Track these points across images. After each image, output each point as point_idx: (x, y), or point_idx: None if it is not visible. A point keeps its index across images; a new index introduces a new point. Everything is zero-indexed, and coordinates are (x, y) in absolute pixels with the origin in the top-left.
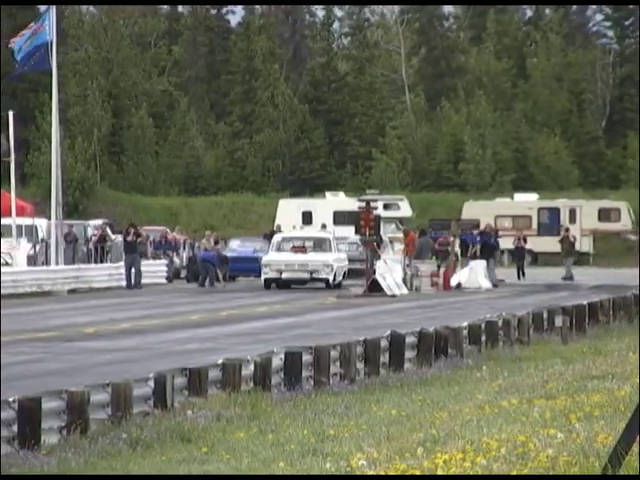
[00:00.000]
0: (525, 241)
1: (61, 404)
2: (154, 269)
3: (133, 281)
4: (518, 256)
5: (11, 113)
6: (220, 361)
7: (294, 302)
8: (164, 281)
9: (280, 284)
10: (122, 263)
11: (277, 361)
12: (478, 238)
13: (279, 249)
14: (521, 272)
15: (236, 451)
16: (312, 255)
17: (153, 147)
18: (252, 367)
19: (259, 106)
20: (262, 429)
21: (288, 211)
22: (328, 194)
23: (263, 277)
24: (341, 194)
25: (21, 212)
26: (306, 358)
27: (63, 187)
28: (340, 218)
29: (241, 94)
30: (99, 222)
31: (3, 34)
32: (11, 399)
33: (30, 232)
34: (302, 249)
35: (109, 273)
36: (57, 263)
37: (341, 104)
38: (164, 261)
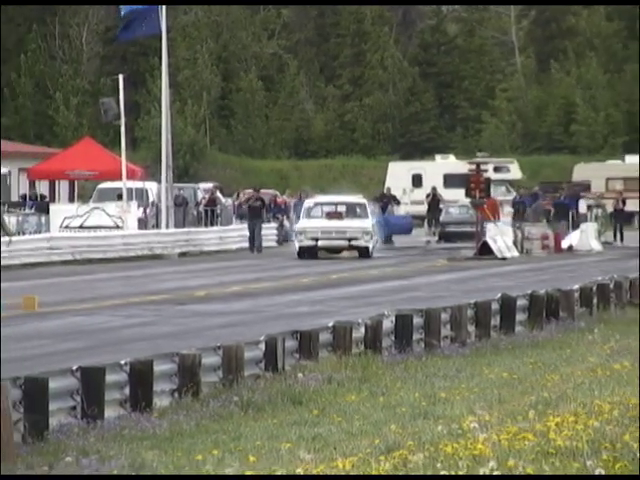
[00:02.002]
0: (624, 203)
1: (173, 367)
2: (265, 232)
3: (255, 244)
4: (617, 218)
5: (121, 77)
6: (331, 324)
7: (405, 265)
8: (274, 244)
9: (314, 252)
10: (232, 226)
11: (388, 324)
12: (581, 202)
13: (309, 215)
14: (619, 234)
15: (347, 414)
16: (349, 221)
17: (263, 110)
18: (363, 330)
19: (369, 69)
20: (373, 392)
21: (398, 174)
22: (438, 157)
23: (297, 245)
24: (451, 157)
25: (132, 175)
26: (417, 321)
27: (173, 150)
28: (450, 181)
29: (351, 57)
30: (209, 185)
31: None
32: (123, 362)
33: (140, 195)
34: (337, 215)
35: (219, 236)
36: (167, 226)
37: (451, 66)
38: (274, 224)
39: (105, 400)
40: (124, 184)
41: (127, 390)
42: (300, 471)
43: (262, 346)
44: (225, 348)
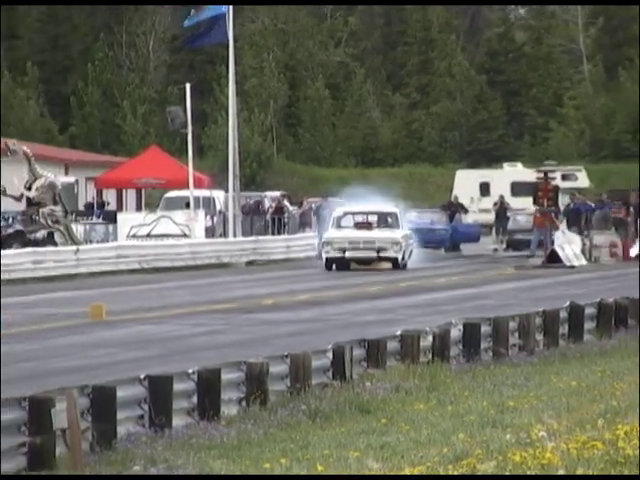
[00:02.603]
0: None
1: (240, 375)
2: None
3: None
4: None
5: (188, 85)
6: (399, 332)
7: (473, 273)
8: None
9: (343, 264)
10: (299, 234)
11: (456, 332)
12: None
13: (339, 225)
14: None
15: (415, 422)
16: (378, 232)
17: (330, 118)
18: (430, 338)
19: (436, 77)
20: (441, 400)
21: (465, 182)
22: (505, 165)
23: (324, 256)
24: (519, 165)
25: (199, 184)
26: (485, 329)
27: (240, 159)
28: (518, 189)
29: (418, 65)
30: (276, 194)
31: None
32: (190, 370)
33: (208, 204)
34: (367, 225)
35: (287, 245)
36: (235, 235)
37: (518, 74)
38: None
39: (173, 409)
40: (191, 193)
41: (195, 399)
42: None
43: (330, 354)
44: (293, 356)
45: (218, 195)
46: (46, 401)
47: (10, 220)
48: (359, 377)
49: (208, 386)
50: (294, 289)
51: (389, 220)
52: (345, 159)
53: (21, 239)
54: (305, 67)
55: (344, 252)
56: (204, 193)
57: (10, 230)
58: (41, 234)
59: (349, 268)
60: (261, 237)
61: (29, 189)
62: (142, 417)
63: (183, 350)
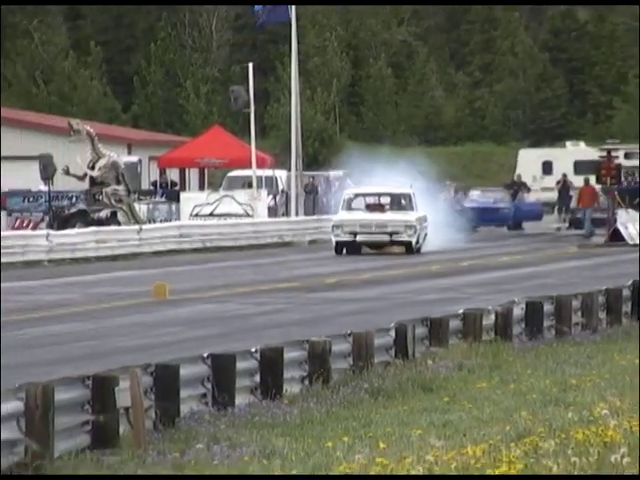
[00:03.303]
0: None
1: (303, 354)
2: None
3: None
4: None
5: (251, 65)
6: (461, 311)
7: (535, 252)
8: None
9: (354, 248)
10: None
11: (518, 311)
12: None
13: (350, 207)
14: None
15: (478, 401)
16: (391, 214)
17: (392, 97)
18: (493, 317)
19: (499, 55)
20: (504, 379)
21: (528, 161)
22: (568, 143)
23: (334, 240)
24: (581, 143)
25: (261, 163)
26: (547, 308)
27: (302, 138)
28: (581, 168)
29: (481, 43)
30: (339, 173)
31: None
32: (253, 349)
33: (270, 183)
34: (379, 207)
35: None
36: (297, 214)
37: (581, 52)
38: None
39: (236, 387)
40: (254, 172)
41: (257, 377)
42: (431, 458)
43: (392, 333)
44: (355, 335)
45: (280, 174)
46: (110, 380)
47: (73, 199)
48: (421, 355)
49: (271, 364)
50: (357, 268)
51: (403, 202)
52: (408, 138)
53: (84, 218)
54: (368, 46)
55: (355, 235)
56: (267, 172)
57: (73, 209)
58: (104, 213)
59: (360, 252)
60: (323, 216)
61: (92, 168)
62: (205, 395)
63: (246, 329)
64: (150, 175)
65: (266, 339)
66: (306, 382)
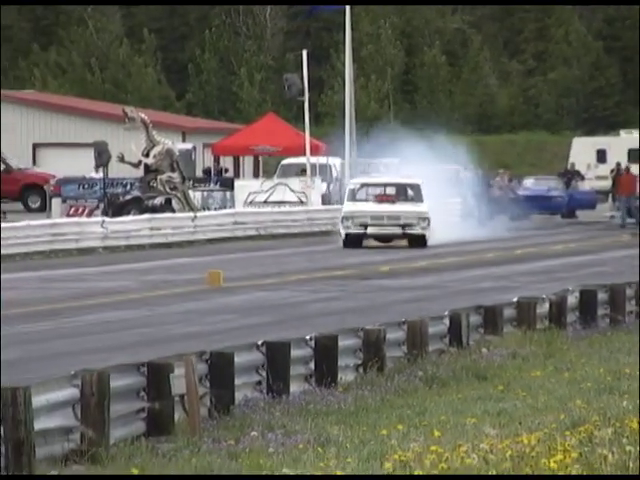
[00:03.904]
0: None
1: (357, 342)
2: (447, 207)
3: None
4: None
5: (305, 52)
6: (515, 299)
7: (589, 240)
8: (457, 219)
9: (361, 241)
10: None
11: (572, 299)
12: None
13: (354, 198)
14: None
15: (532, 389)
16: (402, 205)
17: (446, 85)
18: (547, 305)
19: (553, 43)
20: (558, 367)
21: (582, 149)
22: (622, 132)
23: (343, 232)
24: (635, 132)
25: (315, 151)
26: (601, 296)
27: (356, 125)
28: (634, 156)
29: (535, 32)
30: (394, 160)
31: None
32: (308, 337)
33: (324, 171)
34: (389, 198)
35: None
36: None
37: (635, 40)
38: (458, 199)
39: (290, 375)
40: (308, 160)
41: (312, 365)
42: (485, 446)
43: (446, 321)
44: (410, 323)
45: (334, 162)
46: (165, 367)
47: (128, 187)
48: (476, 343)
49: (325, 352)
50: (410, 256)
51: (410, 193)
52: (462, 126)
53: (139, 206)
54: (422, 34)
55: (366, 228)
56: (321, 160)
57: (128, 197)
58: (159, 201)
59: (361, 245)
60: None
61: (147, 156)
62: (260, 383)
63: (300, 316)
64: (204, 162)
65: (320, 327)
66: (360, 370)
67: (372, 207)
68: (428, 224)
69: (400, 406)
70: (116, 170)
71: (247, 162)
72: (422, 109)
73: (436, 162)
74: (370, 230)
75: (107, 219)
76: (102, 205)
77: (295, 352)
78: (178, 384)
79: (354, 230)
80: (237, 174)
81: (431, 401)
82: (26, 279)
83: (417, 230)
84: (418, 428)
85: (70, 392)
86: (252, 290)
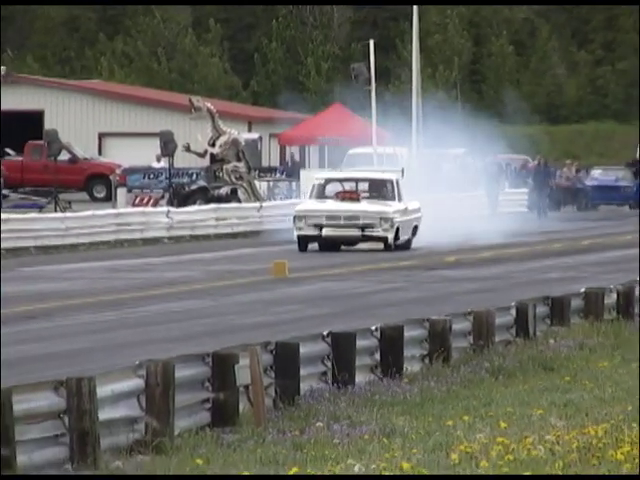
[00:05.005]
0: None
1: (423, 332)
2: (514, 197)
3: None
4: None
5: (372, 42)
6: (582, 290)
7: None
8: (525, 210)
9: (322, 244)
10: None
11: None
12: None
13: (320, 196)
14: None
15: (599, 380)
16: (366, 204)
17: (514, 75)
18: (615, 296)
19: (622, 33)
20: (625, 358)
21: None
22: None
23: (296, 234)
24: None
25: (382, 141)
26: None
27: (423, 115)
28: None
29: (603, 21)
30: (460, 150)
31: None
32: (373, 327)
33: (391, 161)
34: (353, 195)
35: (472, 202)
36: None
37: None
38: (525, 190)
39: (356, 365)
40: (374, 149)
41: (377, 355)
42: (552, 438)
43: (513, 312)
44: (476, 314)
45: (401, 152)
46: (230, 357)
47: (194, 176)
48: (542, 334)
49: (391, 343)
50: (476, 246)
51: (384, 190)
52: (529, 116)
53: (205, 195)
54: (489, 23)
55: (321, 229)
56: (387, 150)
57: (194, 186)
58: (224, 190)
59: (339, 249)
60: (442, 194)
61: (213, 146)
62: (325, 374)
63: (366, 307)
64: (270, 152)
65: (386, 317)
66: (426, 361)
67: (329, 206)
68: (391, 226)
69: (466, 397)
70: (182, 160)
71: (313, 152)
72: (489, 99)
73: (503, 152)
74: (325, 232)
75: (172, 209)
76: (167, 195)
77: (361, 343)
78: (243, 375)
79: (307, 232)
80: (303, 164)
81: (497, 392)
82: (91, 269)
83: (378, 232)
84: (484, 419)
85: (135, 382)
86: (317, 280)
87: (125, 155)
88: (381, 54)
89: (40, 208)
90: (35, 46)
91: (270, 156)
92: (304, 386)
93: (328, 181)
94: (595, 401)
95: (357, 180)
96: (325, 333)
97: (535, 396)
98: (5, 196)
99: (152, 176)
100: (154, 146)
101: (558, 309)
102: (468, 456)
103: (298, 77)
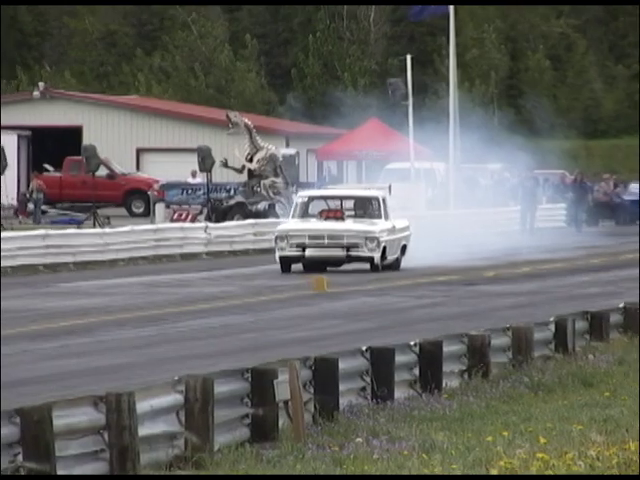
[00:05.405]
0: None
1: (462, 348)
2: (552, 213)
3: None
4: None
5: (409, 57)
6: (621, 305)
7: None
8: (563, 224)
9: (306, 264)
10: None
11: None
12: None
13: (304, 214)
14: None
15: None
16: (351, 223)
17: (551, 90)
18: None
19: None
20: None
21: None
22: None
23: (277, 255)
24: None
25: (419, 156)
26: None
27: (460, 130)
28: None
29: None
30: (498, 165)
31: None
32: (412, 342)
33: (428, 176)
34: (338, 214)
35: (508, 217)
36: (455, 207)
37: None
38: (563, 205)
39: (395, 381)
40: (412, 164)
41: (417, 371)
42: (592, 453)
43: (552, 327)
44: (514, 329)
45: (438, 167)
46: (269, 372)
47: (232, 192)
48: (582, 349)
49: (430, 358)
50: (515, 261)
51: (370, 207)
52: (567, 130)
53: (242, 211)
54: (526, 38)
55: (304, 249)
56: (425, 165)
57: (232, 202)
58: (262, 206)
59: (325, 270)
60: (481, 209)
61: (250, 161)
62: (364, 389)
63: (405, 322)
64: (308, 167)
65: (425, 332)
66: (465, 376)
67: (312, 225)
68: (377, 245)
69: (505, 412)
70: (219, 175)
71: (350, 167)
72: (526, 114)
73: (541, 167)
74: (309, 252)
75: (210, 224)
76: (205, 210)
77: (400, 358)
78: (282, 390)
79: (289, 252)
80: (340, 179)
81: (536, 407)
82: (130, 284)
83: (364, 252)
84: (524, 434)
85: (174, 398)
86: (357, 295)
87: (163, 170)
88: (418, 69)
89: (79, 224)
90: (73, 62)
91: (307, 171)
92: (343, 401)
93: (311, 199)
94: (635, 417)
95: (342, 198)
96: (364, 348)
97: (575, 411)
98: (44, 212)
99: (190, 191)
100: (192, 161)
101: (597, 324)
102: (508, 472)
103: (335, 92)
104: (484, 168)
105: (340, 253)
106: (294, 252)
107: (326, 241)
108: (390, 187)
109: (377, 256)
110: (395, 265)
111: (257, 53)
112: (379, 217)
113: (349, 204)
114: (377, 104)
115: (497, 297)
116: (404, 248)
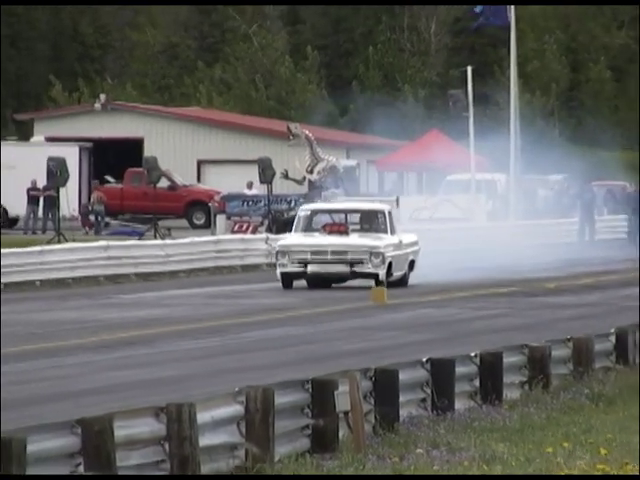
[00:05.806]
0: None
1: (523, 359)
2: (613, 224)
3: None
4: None
5: (470, 68)
6: None
7: None
8: (624, 236)
9: (310, 281)
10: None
11: None
12: None
13: (307, 228)
14: None
15: None
16: (356, 238)
17: (612, 101)
18: None
19: None
20: None
21: None
22: None
23: (278, 271)
24: None
25: (480, 167)
26: None
27: (522, 142)
28: None
29: None
30: (559, 177)
31: None
32: (473, 354)
33: (489, 187)
34: (342, 228)
35: (568, 228)
36: (515, 218)
37: None
38: (624, 216)
39: (455, 392)
40: (473, 176)
41: (477, 382)
42: None
43: (613, 338)
44: (575, 340)
45: (499, 178)
46: (329, 384)
47: (293, 203)
48: None
49: (490, 369)
50: (577, 272)
51: (375, 222)
52: (627, 142)
53: None
54: (587, 50)
55: (306, 265)
56: (485, 176)
57: (292, 213)
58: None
59: (329, 286)
60: (541, 220)
61: (311, 172)
62: (424, 400)
63: (465, 333)
64: (368, 179)
65: (485, 344)
66: (526, 387)
67: (315, 240)
68: (382, 261)
69: (566, 424)
70: (279, 186)
71: (411, 178)
72: (587, 125)
73: (602, 178)
74: (311, 268)
75: (271, 236)
76: (266, 222)
77: (460, 369)
78: (343, 401)
79: (291, 268)
80: (401, 190)
81: (597, 419)
82: (191, 296)
83: (369, 268)
84: (584, 446)
85: (235, 409)
86: (417, 307)
87: (224, 182)
88: (479, 80)
89: (140, 235)
90: (134, 74)
91: (368, 182)
92: (403, 412)
93: (315, 213)
94: None
95: (346, 211)
96: (424, 359)
97: (635, 423)
98: (106, 223)
99: (251, 203)
100: (252, 173)
101: None
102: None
103: (396, 104)
104: (545, 179)
105: (344, 269)
106: (296, 268)
107: (329, 257)
108: (398, 200)
109: (382, 272)
110: (402, 282)
111: (318, 65)
112: (385, 231)
113: (354, 218)
114: (438, 115)
115: (558, 308)
116: (412, 264)
